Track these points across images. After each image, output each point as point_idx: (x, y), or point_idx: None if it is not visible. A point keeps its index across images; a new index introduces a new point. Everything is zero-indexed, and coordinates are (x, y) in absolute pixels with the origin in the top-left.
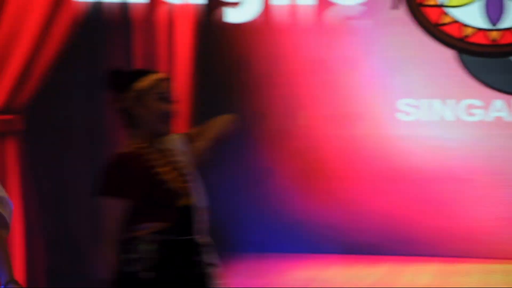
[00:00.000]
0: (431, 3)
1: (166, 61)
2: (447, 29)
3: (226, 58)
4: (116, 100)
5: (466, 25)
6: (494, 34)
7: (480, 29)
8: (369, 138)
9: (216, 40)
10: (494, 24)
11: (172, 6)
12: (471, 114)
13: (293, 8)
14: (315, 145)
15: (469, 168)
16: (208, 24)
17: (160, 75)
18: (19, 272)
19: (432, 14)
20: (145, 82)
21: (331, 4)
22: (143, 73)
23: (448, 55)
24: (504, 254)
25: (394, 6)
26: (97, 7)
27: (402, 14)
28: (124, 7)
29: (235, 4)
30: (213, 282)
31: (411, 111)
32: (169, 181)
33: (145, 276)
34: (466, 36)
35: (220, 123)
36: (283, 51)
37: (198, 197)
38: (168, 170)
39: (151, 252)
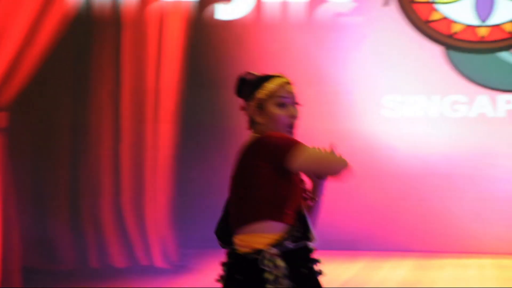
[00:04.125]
0: (422, 0)
1: (156, 58)
2: (436, 25)
3: (217, 55)
4: (244, 108)
5: (455, 22)
6: (483, 31)
7: (469, 26)
8: (354, 134)
9: (207, 37)
10: (483, 20)
11: (163, 3)
12: (455, 110)
13: (284, 5)
14: (301, 140)
15: (451, 164)
16: (200, 21)
17: (279, 81)
18: None
19: (422, 11)
20: (265, 89)
21: (323, 1)
22: (266, 79)
23: (436, 51)
24: (479, 248)
25: (385, 3)
26: (88, 4)
27: (393, 11)
28: (115, 4)
29: (226, 1)
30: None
31: (396, 107)
32: (304, 188)
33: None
34: (455, 33)
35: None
36: (274, 47)
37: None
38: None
39: (283, 268)
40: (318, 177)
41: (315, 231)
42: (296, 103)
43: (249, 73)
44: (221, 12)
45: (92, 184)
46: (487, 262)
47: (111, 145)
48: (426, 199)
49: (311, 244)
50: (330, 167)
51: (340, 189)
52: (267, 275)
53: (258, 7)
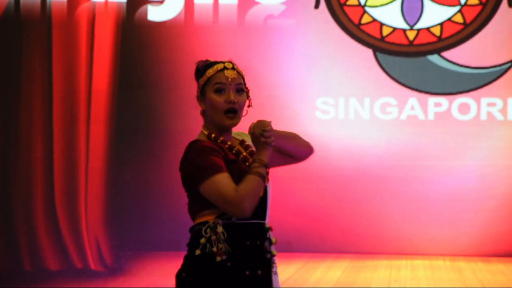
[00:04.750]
0: (352, 3)
1: (87, 59)
2: (367, 28)
3: (149, 56)
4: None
5: (385, 25)
6: (412, 34)
7: (398, 29)
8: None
9: (139, 38)
10: (411, 24)
11: (94, 4)
12: (386, 113)
13: (215, 7)
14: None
15: (383, 166)
16: (131, 22)
17: (218, 66)
18: None
19: (353, 14)
20: (205, 76)
21: (254, 3)
22: (210, 65)
23: (366, 54)
24: (412, 249)
25: (316, 6)
26: (16, 4)
27: (324, 13)
28: (44, 4)
29: (157, 2)
30: (273, 268)
31: (328, 110)
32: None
33: (219, 257)
34: (385, 36)
35: (294, 139)
36: (206, 49)
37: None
38: (246, 160)
39: (221, 233)
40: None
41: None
42: (241, 89)
43: (201, 61)
44: (153, 14)
45: (24, 187)
46: (419, 263)
47: (43, 147)
48: (359, 201)
49: (266, 222)
50: (225, 206)
51: (274, 191)
52: (201, 240)
53: (190, 9)
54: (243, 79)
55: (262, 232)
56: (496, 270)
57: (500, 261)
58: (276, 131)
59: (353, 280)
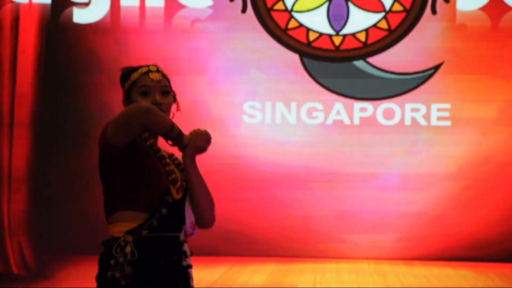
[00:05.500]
0: (279, 7)
1: (11, 61)
2: (293, 33)
3: (73, 58)
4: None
5: (311, 30)
6: (338, 40)
7: (324, 35)
8: (215, 140)
9: (63, 40)
10: (337, 30)
11: (17, 5)
12: (312, 117)
13: (142, 10)
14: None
15: (309, 170)
16: (56, 24)
17: (143, 70)
18: None
19: (280, 19)
20: (129, 80)
21: (181, 6)
22: (134, 70)
23: (293, 58)
24: (337, 253)
25: (243, 10)
26: None
27: (251, 18)
28: None
29: (83, 4)
30: (191, 282)
31: (255, 114)
32: (170, 171)
33: (124, 281)
34: (312, 41)
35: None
36: (132, 51)
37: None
38: (169, 161)
39: (130, 253)
40: (166, 138)
41: (200, 218)
42: (167, 91)
43: (126, 67)
44: (79, 16)
45: None
46: (344, 267)
47: None
48: (285, 205)
49: (181, 235)
50: (137, 115)
51: None
52: (111, 261)
53: (116, 11)
54: (169, 81)
55: (177, 246)
56: (418, 273)
57: (423, 264)
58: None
59: (279, 283)
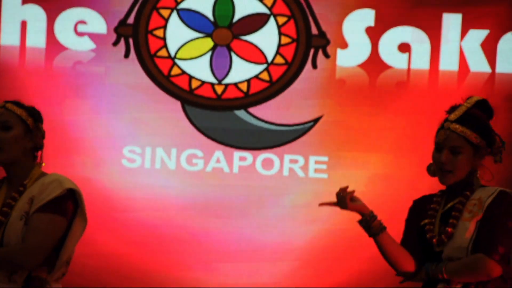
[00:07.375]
0: (162, 54)
1: None
2: (176, 80)
3: None
4: None
5: (194, 78)
6: (220, 89)
7: (206, 83)
8: (93, 183)
9: None
10: (219, 79)
11: None
12: (192, 164)
13: (22, 49)
14: None
15: (187, 216)
16: None
17: None
18: None
19: (163, 65)
20: None
21: (62, 48)
22: None
23: (175, 105)
24: None
25: (126, 55)
26: None
27: (134, 63)
28: None
29: None
30: None
31: (135, 158)
32: None
33: None
34: (194, 89)
35: None
36: (10, 92)
37: None
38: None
39: None
40: None
41: None
42: (8, 126)
43: None
44: None
45: None
46: None
47: None
48: (163, 250)
49: None
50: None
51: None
52: None
53: None
54: (19, 116)
55: None
56: None
57: None
58: None
59: None
